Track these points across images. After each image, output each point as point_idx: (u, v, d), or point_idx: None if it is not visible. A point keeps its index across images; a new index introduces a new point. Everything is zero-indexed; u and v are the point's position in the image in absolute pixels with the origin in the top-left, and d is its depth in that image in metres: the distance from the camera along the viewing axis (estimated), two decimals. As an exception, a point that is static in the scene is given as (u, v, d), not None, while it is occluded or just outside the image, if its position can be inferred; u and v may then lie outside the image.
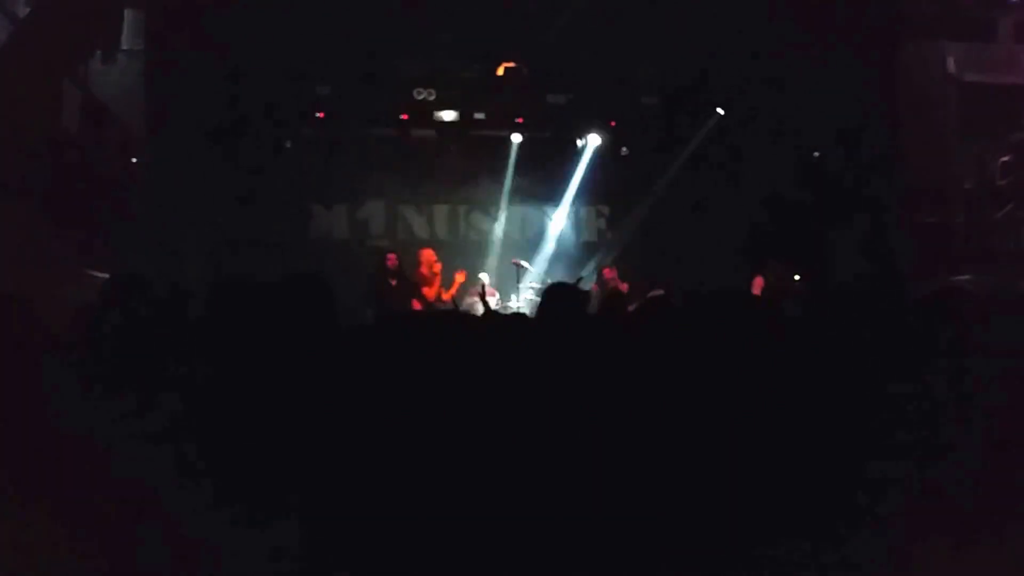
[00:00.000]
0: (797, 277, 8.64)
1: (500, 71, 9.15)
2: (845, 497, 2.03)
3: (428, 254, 7.80)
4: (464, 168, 9.62)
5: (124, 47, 8.23)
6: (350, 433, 1.95)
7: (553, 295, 2.95)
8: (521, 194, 9.89)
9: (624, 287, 8.40)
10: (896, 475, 2.03)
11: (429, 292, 7.56)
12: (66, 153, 7.24)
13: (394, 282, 7.46)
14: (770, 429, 2.16)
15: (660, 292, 8.28)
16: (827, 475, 2.08)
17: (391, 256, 7.57)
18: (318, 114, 9.21)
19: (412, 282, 7.63)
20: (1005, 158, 9.20)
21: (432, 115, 9.34)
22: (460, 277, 7.85)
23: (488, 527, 1.89)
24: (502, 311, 8.25)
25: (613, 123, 9.70)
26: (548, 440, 2.04)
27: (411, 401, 2.07)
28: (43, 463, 1.85)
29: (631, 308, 6.10)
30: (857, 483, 2.06)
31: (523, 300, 8.75)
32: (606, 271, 8.60)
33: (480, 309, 7.57)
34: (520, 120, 9.51)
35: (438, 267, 7.73)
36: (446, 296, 7.76)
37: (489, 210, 9.93)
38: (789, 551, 1.94)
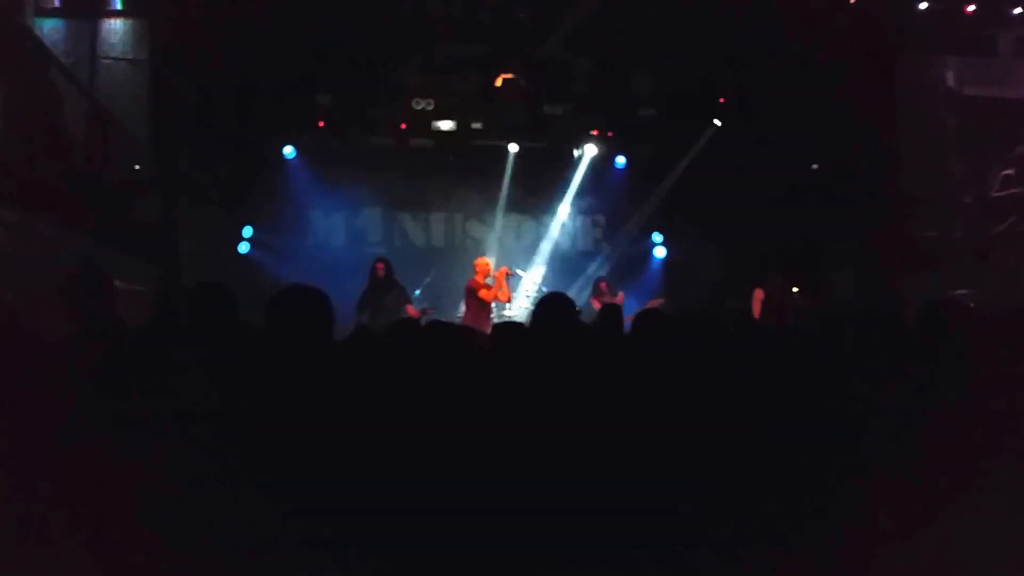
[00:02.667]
0: (796, 290, 8.62)
1: (498, 82, 9.23)
2: (846, 511, 2.02)
3: (483, 261, 7.93)
4: (461, 177, 9.69)
5: (128, 56, 8.36)
6: (340, 445, 1.96)
7: (547, 306, 2.96)
8: (517, 203, 9.95)
9: (620, 297, 8.39)
10: (897, 489, 2.03)
11: (487, 295, 7.68)
12: (70, 160, 7.36)
13: (384, 289, 7.54)
14: (769, 441, 2.16)
15: (660, 301, 8.29)
16: (826, 486, 2.08)
17: (379, 264, 7.65)
18: (318, 123, 9.32)
19: (403, 288, 7.72)
20: (1005, 172, 9.14)
21: (430, 125, 9.42)
22: (501, 274, 7.94)
23: (478, 536, 1.90)
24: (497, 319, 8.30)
25: (610, 133, 9.75)
26: (544, 450, 2.06)
27: (402, 412, 2.08)
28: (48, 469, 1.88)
29: (628, 318, 6.14)
30: (858, 496, 2.05)
31: (517, 308, 8.79)
32: (602, 283, 8.58)
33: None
34: (517, 130, 9.57)
35: (502, 270, 7.92)
36: (504, 298, 7.92)
37: (486, 219, 9.99)
38: (786, 560, 1.95)
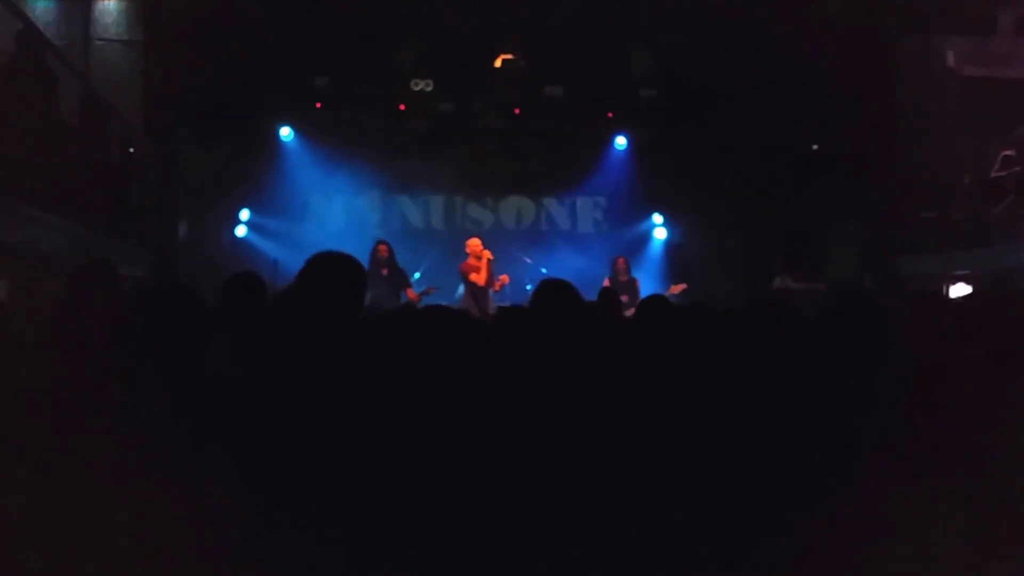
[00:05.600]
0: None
1: (498, 63, 9.15)
2: (853, 503, 2.02)
3: (475, 242, 7.79)
4: (461, 159, 9.63)
5: (122, 38, 8.24)
6: (339, 433, 1.94)
7: (547, 291, 2.93)
8: (518, 185, 9.90)
9: (636, 283, 8.28)
10: (913, 482, 2.02)
11: (478, 279, 7.54)
12: (64, 144, 7.24)
13: (385, 272, 7.47)
14: (775, 433, 2.15)
15: (683, 287, 8.20)
16: (834, 479, 2.08)
17: (382, 246, 7.57)
18: (316, 104, 9.23)
19: (403, 271, 7.67)
20: (1005, 152, 9.14)
21: (429, 106, 9.34)
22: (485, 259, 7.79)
23: (481, 530, 1.89)
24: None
25: (610, 114, 9.69)
26: (538, 440, 2.04)
27: (402, 399, 2.06)
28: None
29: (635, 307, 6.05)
30: (869, 488, 2.05)
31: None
32: (619, 260, 8.41)
33: None
34: (517, 111, 9.50)
35: (487, 254, 7.70)
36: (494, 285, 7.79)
37: (486, 201, 9.94)
38: (789, 557, 1.94)
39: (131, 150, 8.39)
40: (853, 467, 2.06)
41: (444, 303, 7.67)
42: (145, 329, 2.49)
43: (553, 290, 2.86)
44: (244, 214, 9.35)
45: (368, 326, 2.88)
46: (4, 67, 6.35)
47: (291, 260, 8.31)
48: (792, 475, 2.06)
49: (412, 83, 9.13)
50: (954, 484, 2.00)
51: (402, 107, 9.32)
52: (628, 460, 2.04)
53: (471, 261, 7.63)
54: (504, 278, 7.85)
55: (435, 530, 1.84)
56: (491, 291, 7.69)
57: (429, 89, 9.16)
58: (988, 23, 9.49)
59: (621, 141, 9.90)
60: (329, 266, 2.24)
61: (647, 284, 8.48)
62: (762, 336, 2.76)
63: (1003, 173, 9.04)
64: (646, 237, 10.01)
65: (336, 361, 2.08)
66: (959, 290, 8.27)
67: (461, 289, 8.50)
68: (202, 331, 2.41)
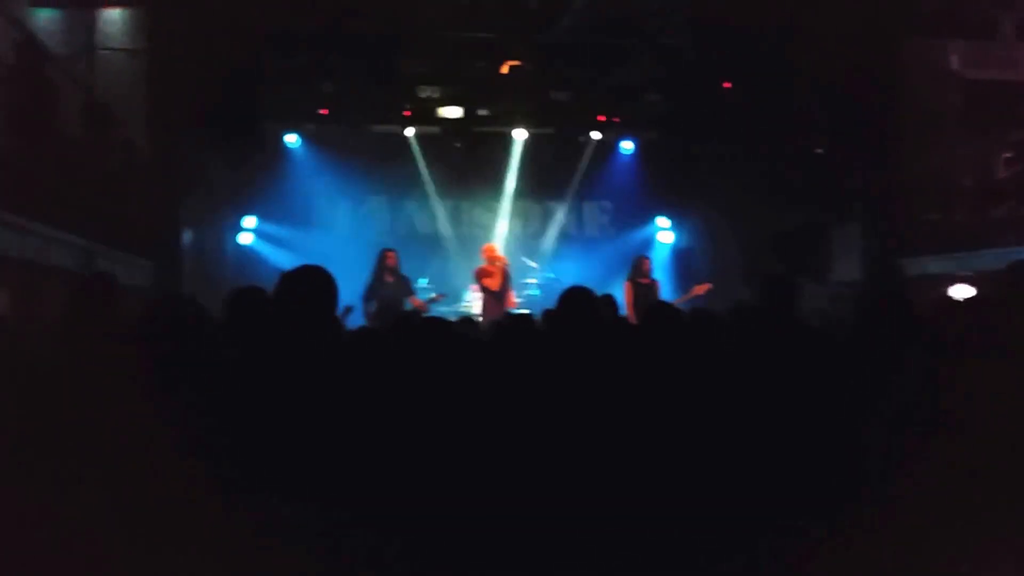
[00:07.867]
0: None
1: (504, 69, 9.12)
2: (858, 502, 2.04)
3: (490, 247, 7.80)
4: (467, 164, 9.61)
5: (126, 46, 8.15)
6: (350, 438, 1.95)
7: (570, 299, 2.92)
8: (524, 190, 9.90)
9: (656, 285, 8.25)
10: (909, 477, 2.05)
11: (491, 283, 7.54)
12: (68, 155, 7.17)
13: (391, 279, 7.43)
14: (782, 436, 2.18)
15: (708, 287, 8.17)
16: (838, 480, 2.10)
17: (390, 253, 7.53)
18: (322, 111, 9.17)
19: (408, 278, 7.65)
20: (1006, 155, 9.22)
21: (436, 112, 9.31)
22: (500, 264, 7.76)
23: (490, 531, 1.92)
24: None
25: (616, 119, 9.69)
26: (542, 442, 2.07)
27: (419, 406, 2.07)
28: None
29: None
30: (872, 489, 2.07)
31: (524, 296, 8.79)
32: (645, 262, 8.19)
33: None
34: (524, 117, 9.49)
35: (501, 259, 7.69)
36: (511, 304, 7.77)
37: (492, 206, 9.93)
38: (790, 555, 1.97)
39: (136, 160, 8.31)
40: (865, 471, 2.10)
41: (450, 308, 7.72)
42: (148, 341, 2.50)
43: (573, 297, 2.87)
44: (250, 221, 9.30)
45: (372, 335, 2.88)
46: (4, 79, 6.28)
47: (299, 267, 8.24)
48: (798, 479, 2.10)
49: (419, 89, 9.10)
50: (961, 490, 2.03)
51: (408, 113, 9.29)
52: (624, 464, 2.08)
53: (486, 267, 7.64)
54: (513, 301, 7.91)
55: (434, 533, 1.87)
56: (505, 302, 7.70)
57: (436, 95, 9.13)
58: (990, 27, 9.54)
59: (627, 146, 9.91)
60: (300, 282, 2.24)
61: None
62: (760, 341, 2.77)
63: (1003, 176, 9.13)
64: (652, 241, 10.04)
65: (328, 373, 2.07)
66: (961, 292, 8.35)
67: (467, 295, 8.52)
68: (207, 342, 2.42)
